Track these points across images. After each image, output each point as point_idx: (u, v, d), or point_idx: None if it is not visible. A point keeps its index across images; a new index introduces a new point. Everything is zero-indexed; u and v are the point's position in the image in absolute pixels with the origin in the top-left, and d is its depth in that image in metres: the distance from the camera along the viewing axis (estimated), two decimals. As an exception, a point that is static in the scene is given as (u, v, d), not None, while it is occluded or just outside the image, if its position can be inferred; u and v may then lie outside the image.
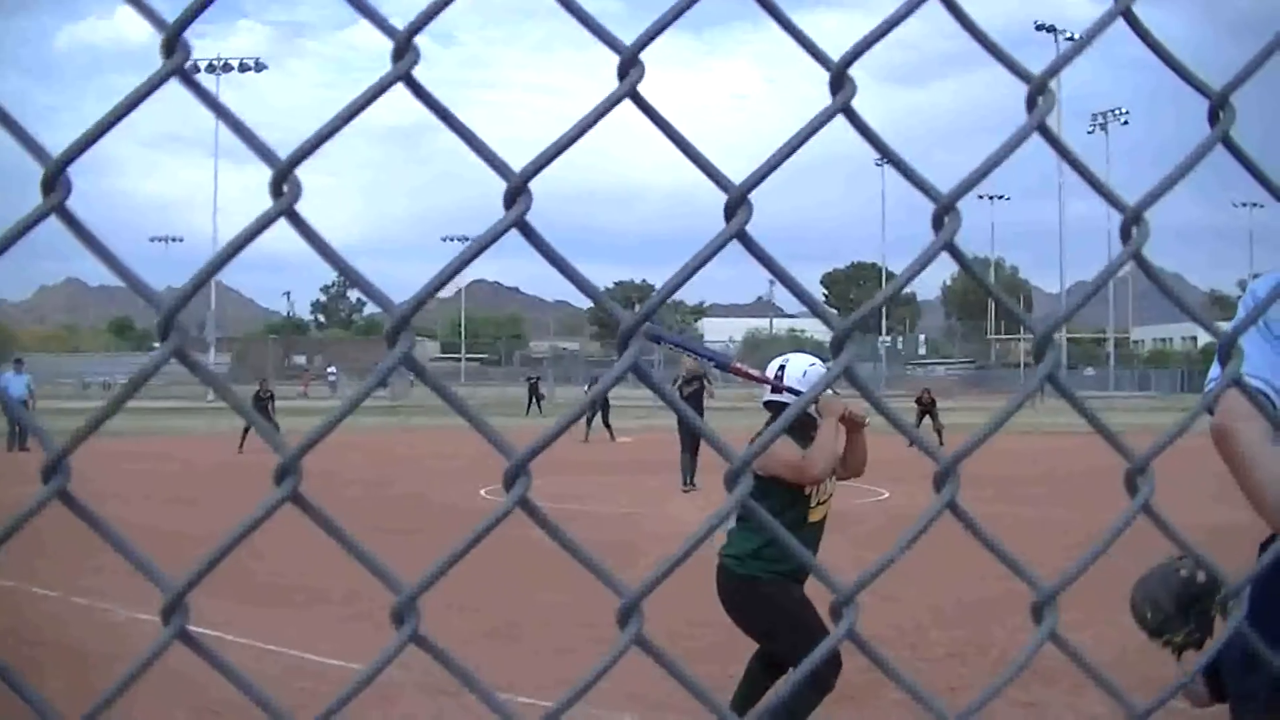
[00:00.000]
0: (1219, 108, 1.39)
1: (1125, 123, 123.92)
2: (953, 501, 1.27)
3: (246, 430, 35.91)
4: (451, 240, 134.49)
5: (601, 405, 42.14)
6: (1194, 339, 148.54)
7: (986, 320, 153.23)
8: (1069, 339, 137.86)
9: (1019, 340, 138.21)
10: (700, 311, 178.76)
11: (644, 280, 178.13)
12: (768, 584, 7.68)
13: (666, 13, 1.20)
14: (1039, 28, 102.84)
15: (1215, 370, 4.01)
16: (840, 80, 1.22)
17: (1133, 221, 1.32)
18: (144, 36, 1.08)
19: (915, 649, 11.29)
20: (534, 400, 64.79)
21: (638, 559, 14.11)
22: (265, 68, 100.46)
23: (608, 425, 41.21)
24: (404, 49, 1.16)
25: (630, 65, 1.18)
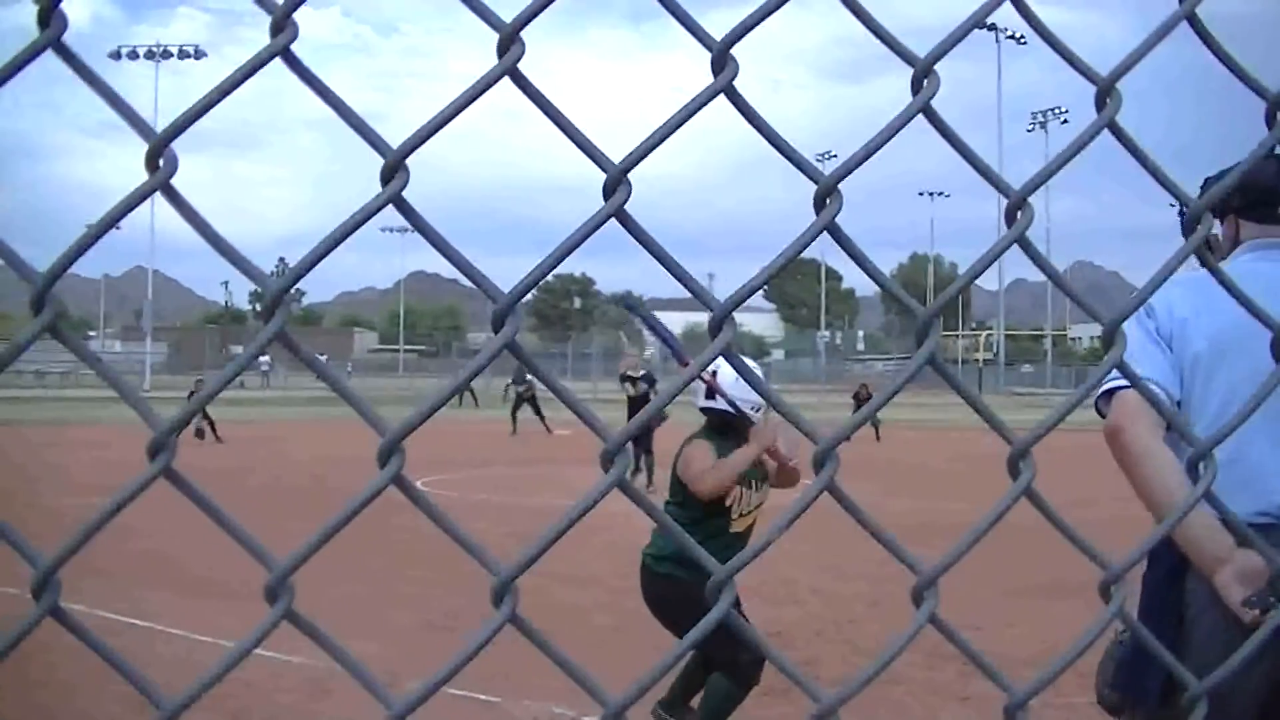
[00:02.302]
0: (1104, 95, 1.39)
1: (1065, 121, 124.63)
2: (832, 484, 1.27)
3: (205, 422, 36.06)
4: (390, 231, 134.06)
5: (529, 398, 41.78)
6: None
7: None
8: (1007, 335, 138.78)
9: (958, 336, 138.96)
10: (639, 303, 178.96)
11: (583, 273, 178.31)
12: (683, 583, 7.67)
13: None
14: (979, 26, 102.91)
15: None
16: (722, 60, 1.22)
17: (1016, 207, 1.33)
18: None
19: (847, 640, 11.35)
20: (469, 394, 64.60)
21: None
22: (205, 55, 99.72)
23: (540, 416, 40.67)
24: (282, 25, 1.15)
25: (510, 42, 1.18)
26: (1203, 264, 1.51)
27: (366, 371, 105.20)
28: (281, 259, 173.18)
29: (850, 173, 1.26)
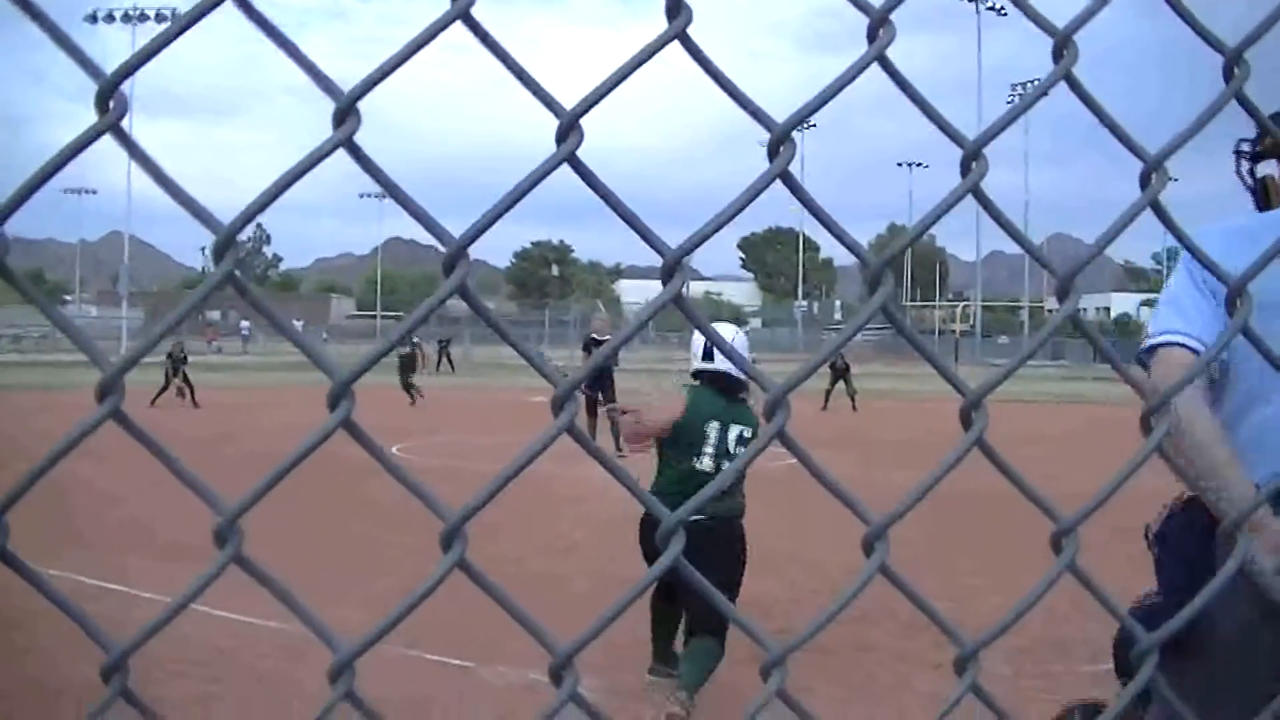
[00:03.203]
0: (1061, 46, 1.39)
1: (1045, 94, 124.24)
2: (783, 432, 1.27)
3: (163, 389, 36.00)
4: (367, 197, 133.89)
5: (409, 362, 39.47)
6: (1107, 310, 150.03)
7: (903, 287, 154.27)
8: (984, 307, 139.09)
9: (935, 307, 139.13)
10: (617, 273, 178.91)
11: (561, 240, 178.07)
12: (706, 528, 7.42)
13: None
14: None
15: (1156, 323, 4.08)
16: (676, 7, 1.22)
17: (972, 157, 1.33)
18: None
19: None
20: (445, 359, 63.73)
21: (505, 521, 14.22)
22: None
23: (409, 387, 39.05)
24: None
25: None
26: (1163, 221, 1.51)
27: (344, 337, 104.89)
28: (259, 224, 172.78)
29: (803, 119, 1.26)
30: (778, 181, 1.28)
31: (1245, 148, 4.51)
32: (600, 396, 25.22)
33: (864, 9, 1.30)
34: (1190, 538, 4.05)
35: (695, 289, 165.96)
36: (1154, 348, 4.05)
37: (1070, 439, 28.54)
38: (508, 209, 1.17)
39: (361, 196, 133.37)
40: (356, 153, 1.16)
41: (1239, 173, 4.55)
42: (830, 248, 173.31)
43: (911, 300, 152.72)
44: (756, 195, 1.24)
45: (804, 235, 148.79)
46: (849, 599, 1.33)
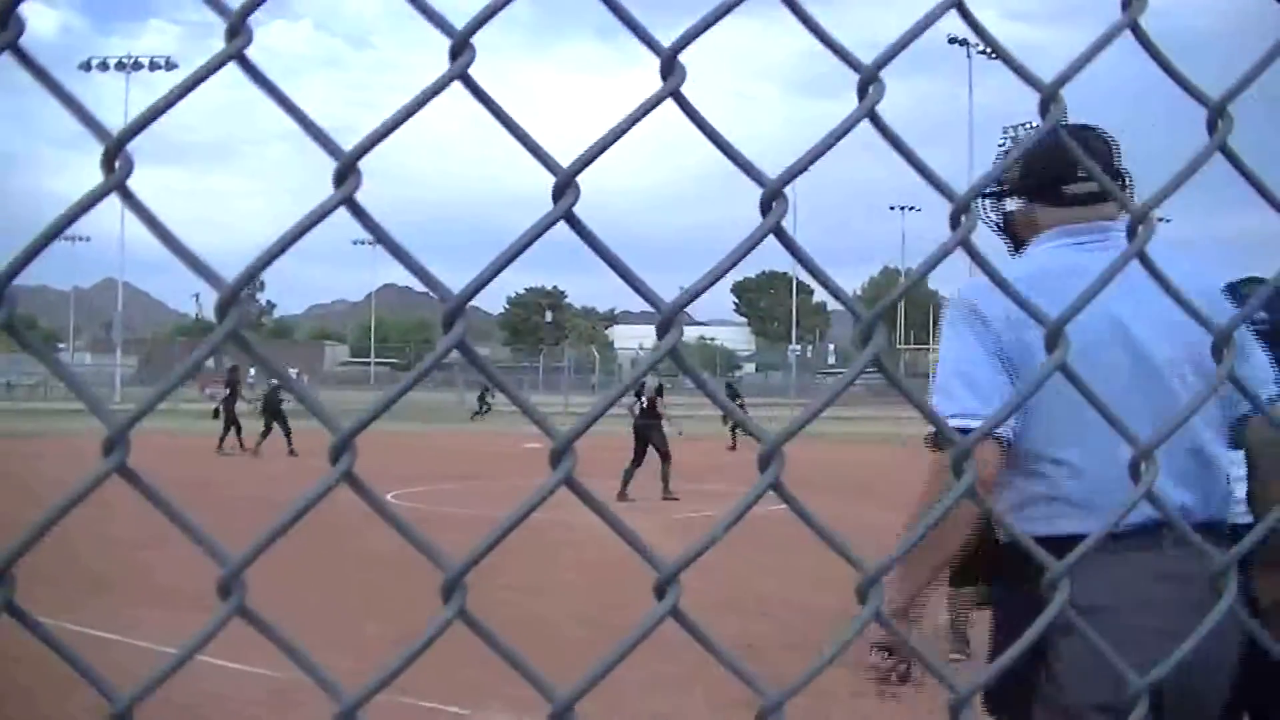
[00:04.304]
0: (1048, 101, 1.42)
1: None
2: (777, 481, 1.29)
3: (226, 431, 36.13)
4: (361, 244, 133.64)
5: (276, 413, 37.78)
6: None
7: (896, 331, 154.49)
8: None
9: (929, 351, 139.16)
10: (611, 319, 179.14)
11: (555, 286, 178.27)
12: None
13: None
14: (951, 41, 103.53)
15: (949, 400, 3.98)
16: (670, 66, 1.24)
17: (961, 211, 1.35)
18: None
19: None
20: (484, 406, 64.09)
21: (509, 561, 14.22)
22: (176, 66, 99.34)
23: (284, 432, 37.21)
24: (237, 29, 1.17)
25: (462, 48, 1.20)
26: (975, 261, 1.52)
27: (337, 384, 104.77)
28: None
29: (794, 177, 1.28)
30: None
31: (989, 189, 4.43)
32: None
33: (854, 66, 1.32)
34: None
35: (689, 334, 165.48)
36: (957, 430, 3.94)
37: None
38: (506, 265, 1.20)
39: (355, 243, 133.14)
40: (358, 211, 1.18)
41: (984, 214, 4.49)
42: (824, 292, 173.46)
43: (905, 344, 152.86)
44: (749, 251, 1.26)
45: (797, 280, 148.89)
46: (847, 643, 1.35)
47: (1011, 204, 4.36)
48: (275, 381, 37.36)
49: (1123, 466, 4.02)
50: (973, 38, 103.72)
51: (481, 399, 65.65)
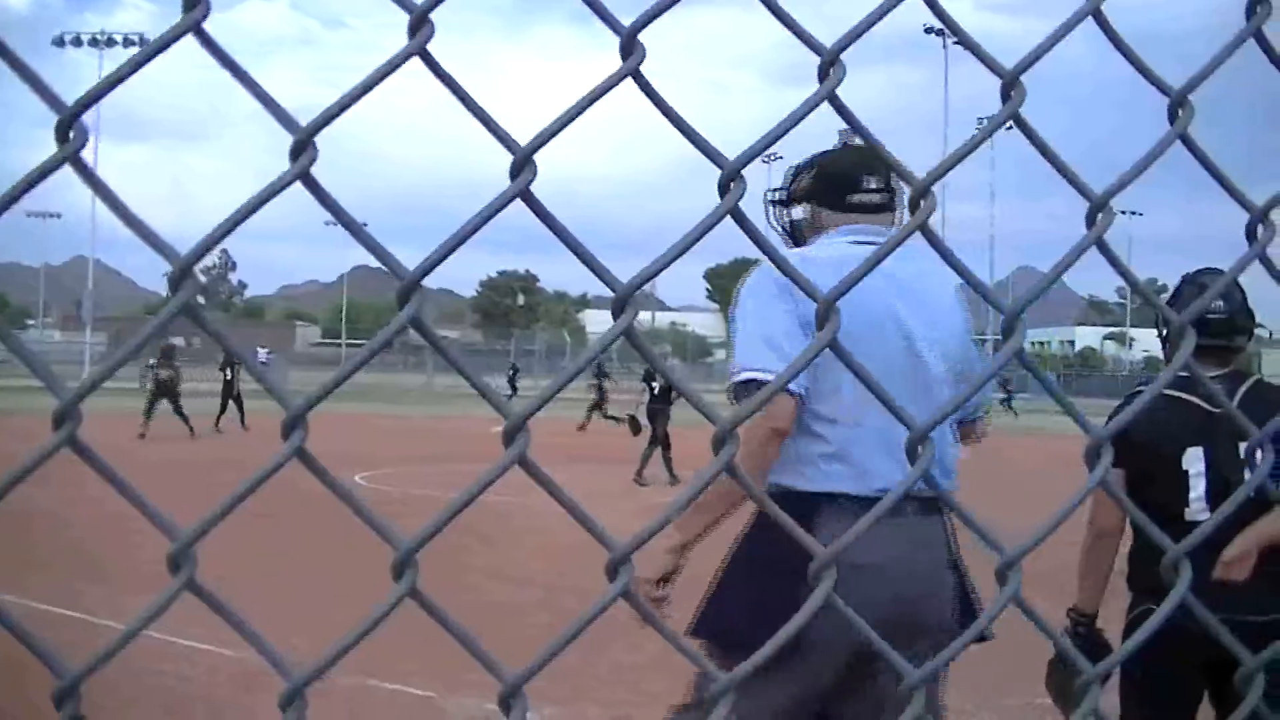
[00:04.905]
0: (1009, 87, 1.42)
1: (1010, 128, 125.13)
2: (730, 464, 1.29)
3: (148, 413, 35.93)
4: (332, 224, 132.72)
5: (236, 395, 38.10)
6: (1071, 343, 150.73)
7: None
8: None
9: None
10: (584, 303, 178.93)
11: (527, 270, 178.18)
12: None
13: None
14: (928, 31, 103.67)
15: (748, 357, 4.44)
16: (630, 46, 1.24)
17: (921, 195, 1.35)
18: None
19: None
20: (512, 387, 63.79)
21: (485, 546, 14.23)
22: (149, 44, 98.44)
23: (236, 408, 37.99)
24: (195, 1, 1.16)
25: (420, 24, 1.19)
26: (1110, 260, 1.53)
27: (309, 365, 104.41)
28: (224, 250, 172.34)
29: (752, 159, 1.28)
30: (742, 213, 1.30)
31: (774, 196, 5.02)
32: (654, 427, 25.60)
33: (815, 49, 1.32)
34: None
35: (660, 319, 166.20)
36: (749, 382, 4.40)
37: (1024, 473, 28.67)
38: (460, 243, 1.19)
39: (326, 224, 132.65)
40: (313, 186, 1.18)
41: (769, 220, 5.02)
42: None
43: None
44: (705, 233, 1.26)
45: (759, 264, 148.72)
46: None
47: (799, 211, 4.90)
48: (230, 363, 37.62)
49: (882, 436, 4.24)
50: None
51: (511, 381, 65.56)
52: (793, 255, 4.52)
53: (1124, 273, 1.55)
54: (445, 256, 1.19)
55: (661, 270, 1.25)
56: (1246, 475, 4.98)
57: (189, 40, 1.16)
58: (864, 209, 4.74)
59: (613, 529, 1.29)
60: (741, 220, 1.28)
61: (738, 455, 3.16)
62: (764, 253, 1.35)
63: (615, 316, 1.25)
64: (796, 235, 4.96)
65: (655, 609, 4.42)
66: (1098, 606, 5.62)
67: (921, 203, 1.35)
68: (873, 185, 4.75)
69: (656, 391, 26.85)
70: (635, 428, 27.33)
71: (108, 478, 1.16)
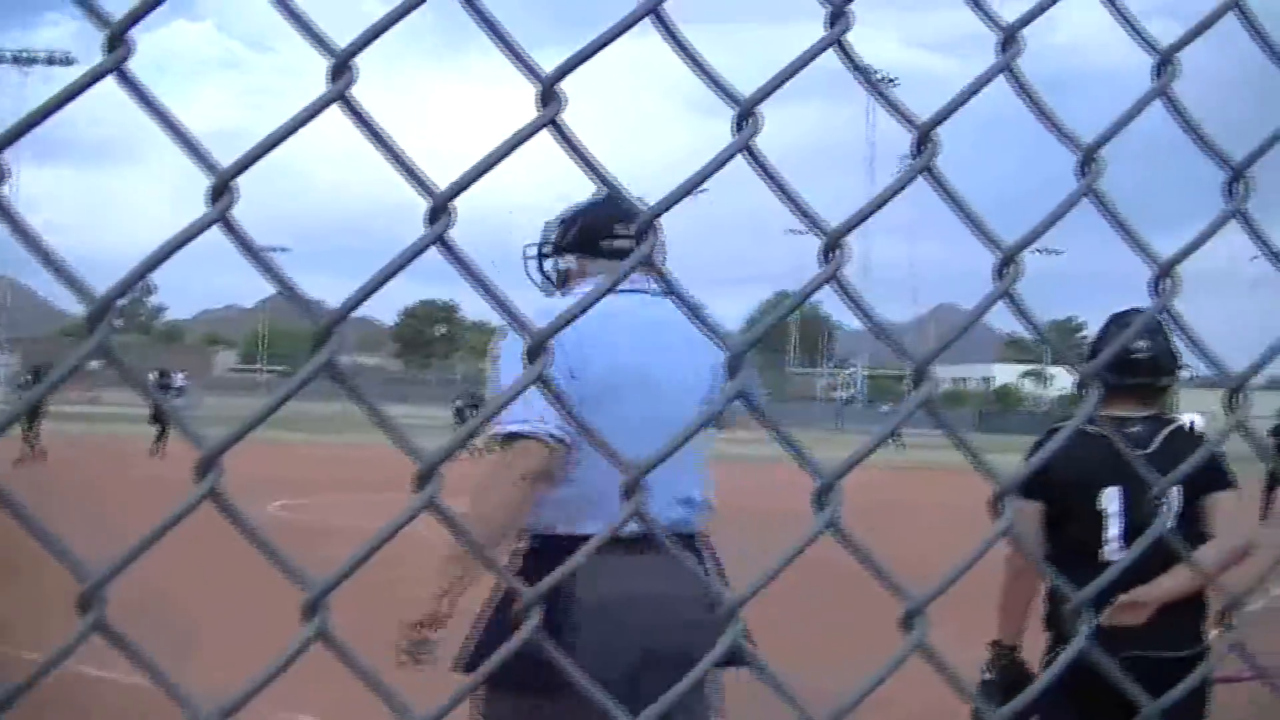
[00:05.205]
0: (922, 141, 1.44)
1: (900, 190, 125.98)
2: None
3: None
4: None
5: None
6: (989, 380, 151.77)
7: (787, 353, 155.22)
8: (868, 375, 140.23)
9: (819, 374, 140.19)
10: (504, 333, 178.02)
11: (449, 299, 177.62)
12: None
13: (381, 19, 1.23)
14: (856, 71, 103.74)
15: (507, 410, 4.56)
16: (549, 95, 1.25)
17: (832, 247, 1.37)
18: None
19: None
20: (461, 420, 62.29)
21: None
22: (74, 62, 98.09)
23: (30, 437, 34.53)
24: (117, 42, 1.16)
25: (341, 70, 1.20)
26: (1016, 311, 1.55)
27: (226, 390, 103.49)
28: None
29: (667, 209, 1.29)
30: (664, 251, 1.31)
31: (532, 252, 5.33)
32: None
33: (733, 98, 1.34)
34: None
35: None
36: (512, 435, 4.60)
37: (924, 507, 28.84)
38: (377, 288, 1.20)
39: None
40: (231, 229, 1.18)
41: (528, 274, 5.38)
42: (714, 314, 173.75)
43: (795, 367, 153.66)
44: (616, 285, 1.28)
45: (687, 304, 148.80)
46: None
47: (565, 261, 5.18)
48: (165, 382, 37.75)
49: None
50: (877, 64, 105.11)
51: (460, 414, 64.65)
52: (549, 305, 4.92)
53: (1033, 325, 1.57)
54: (360, 303, 1.20)
55: (571, 321, 1.27)
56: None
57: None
58: (618, 255, 4.96)
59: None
60: (657, 272, 1.29)
61: (491, 502, 3.96)
62: (674, 295, 1.36)
63: (530, 361, 1.26)
64: (566, 285, 5.23)
65: (419, 654, 4.66)
66: (1019, 639, 5.67)
67: (833, 254, 1.37)
68: (625, 232, 4.92)
69: None
70: None
71: (14, 514, 1.16)
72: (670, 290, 1.43)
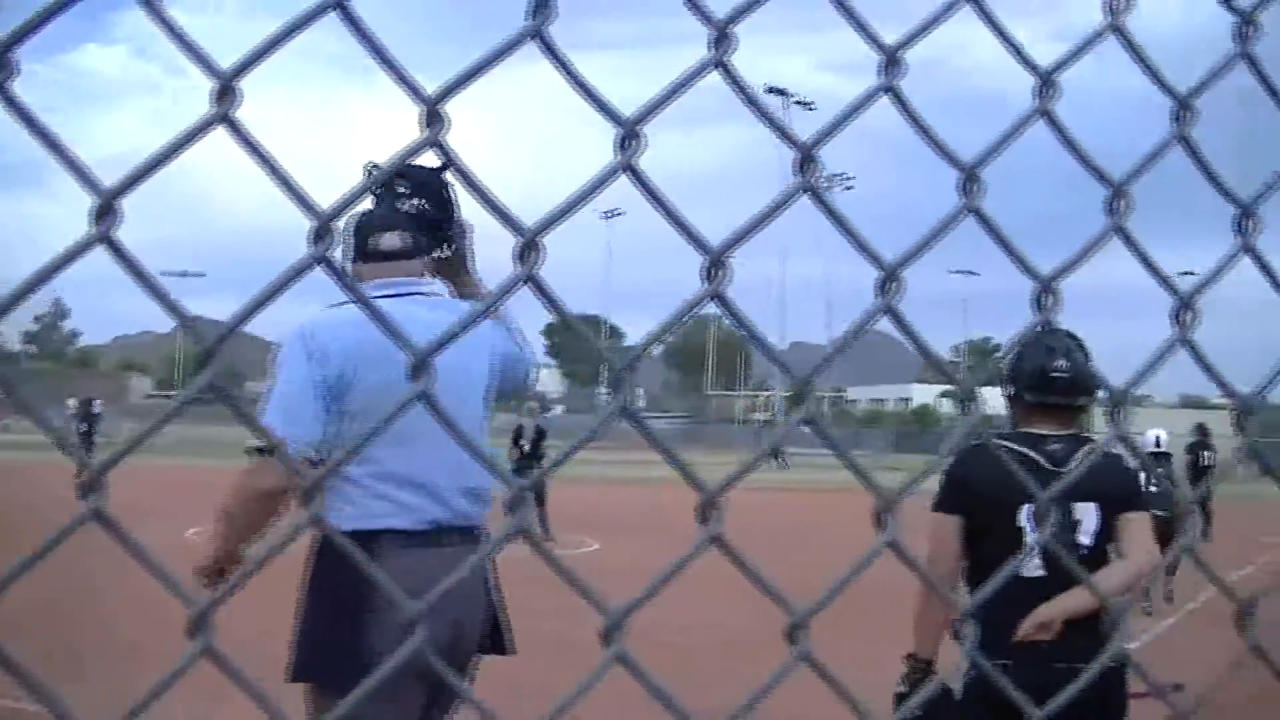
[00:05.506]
0: (804, 161, 1.46)
1: (849, 188, 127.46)
2: (526, 526, 1.31)
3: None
4: (168, 275, 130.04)
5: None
6: (907, 400, 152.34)
7: (705, 375, 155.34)
8: (784, 396, 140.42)
9: (738, 396, 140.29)
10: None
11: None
12: None
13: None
14: (769, 90, 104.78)
15: (273, 419, 4.80)
16: (432, 116, 1.26)
17: (714, 266, 1.39)
18: None
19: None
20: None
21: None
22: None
23: None
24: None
25: (224, 93, 1.21)
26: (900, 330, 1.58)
27: (143, 417, 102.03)
28: (57, 299, 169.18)
29: (549, 227, 1.30)
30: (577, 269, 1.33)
31: (337, 259, 5.36)
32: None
33: (615, 119, 1.35)
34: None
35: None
36: (261, 450, 4.70)
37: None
38: (261, 307, 1.20)
39: (163, 275, 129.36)
40: (116, 249, 1.18)
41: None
42: (634, 337, 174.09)
43: (714, 389, 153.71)
44: (495, 303, 1.29)
45: (609, 323, 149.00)
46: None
47: (350, 268, 5.21)
48: (88, 409, 37.88)
49: (416, 477, 4.77)
50: (792, 87, 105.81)
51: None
52: (323, 313, 4.96)
53: (915, 340, 1.59)
54: (242, 323, 1.20)
55: (449, 342, 1.28)
56: (1078, 535, 5.29)
57: (20, 85, 1.16)
58: (383, 256, 5.12)
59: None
60: (538, 284, 1.30)
61: (233, 507, 4.39)
62: (559, 313, 1.38)
63: (413, 378, 1.27)
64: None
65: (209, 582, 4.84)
66: (935, 653, 5.69)
67: (715, 272, 1.38)
68: (392, 234, 5.16)
69: (526, 450, 26.65)
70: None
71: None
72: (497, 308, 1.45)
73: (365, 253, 5.14)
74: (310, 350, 4.78)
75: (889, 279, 1.49)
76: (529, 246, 1.29)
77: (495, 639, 5.16)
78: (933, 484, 6.04)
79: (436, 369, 4.42)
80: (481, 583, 5.07)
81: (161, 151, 1.19)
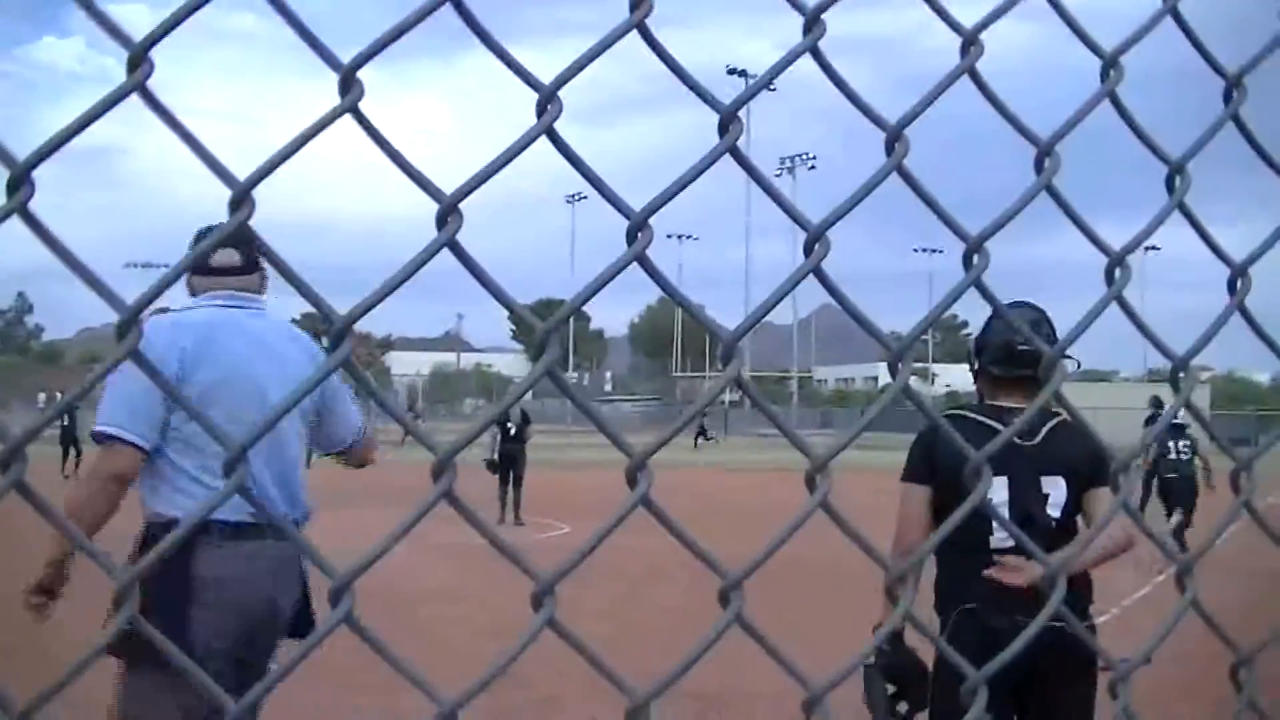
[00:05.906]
0: (725, 125, 1.46)
1: (812, 168, 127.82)
2: (449, 491, 1.31)
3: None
4: (133, 266, 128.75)
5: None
6: (875, 379, 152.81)
7: (672, 358, 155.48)
8: (753, 377, 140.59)
9: (705, 378, 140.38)
10: (387, 345, 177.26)
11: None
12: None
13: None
14: (730, 71, 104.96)
15: (110, 414, 5.34)
16: (348, 83, 1.26)
17: (634, 229, 1.39)
18: None
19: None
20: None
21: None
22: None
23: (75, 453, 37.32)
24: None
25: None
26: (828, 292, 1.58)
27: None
28: (21, 293, 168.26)
29: (467, 194, 1.30)
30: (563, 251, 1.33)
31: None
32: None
33: (534, 85, 1.35)
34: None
35: (466, 360, 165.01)
36: (109, 437, 5.27)
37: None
38: (162, 293, 1.20)
39: (126, 266, 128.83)
40: (31, 220, 1.17)
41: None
42: (601, 319, 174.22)
43: (681, 371, 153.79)
44: (421, 266, 1.28)
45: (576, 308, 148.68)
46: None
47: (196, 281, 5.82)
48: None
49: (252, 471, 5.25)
50: (752, 68, 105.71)
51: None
52: (168, 317, 5.55)
53: (845, 306, 1.60)
54: (154, 298, 1.20)
55: (378, 303, 1.28)
56: (1047, 507, 5.33)
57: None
58: (222, 272, 5.69)
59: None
60: (462, 255, 1.30)
61: (82, 494, 4.88)
62: (476, 275, 1.38)
63: (333, 348, 1.27)
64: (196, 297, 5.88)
65: (37, 615, 5.34)
66: (903, 624, 5.70)
67: (639, 235, 1.39)
68: (228, 251, 5.64)
69: (511, 432, 26.76)
70: (493, 468, 26.99)
71: None
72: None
73: (205, 269, 5.65)
74: (154, 352, 5.05)
75: (813, 241, 1.49)
76: (449, 210, 1.29)
77: (302, 622, 5.65)
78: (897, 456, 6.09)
79: (254, 371, 4.72)
80: (297, 570, 5.66)
81: (76, 122, 1.19)
